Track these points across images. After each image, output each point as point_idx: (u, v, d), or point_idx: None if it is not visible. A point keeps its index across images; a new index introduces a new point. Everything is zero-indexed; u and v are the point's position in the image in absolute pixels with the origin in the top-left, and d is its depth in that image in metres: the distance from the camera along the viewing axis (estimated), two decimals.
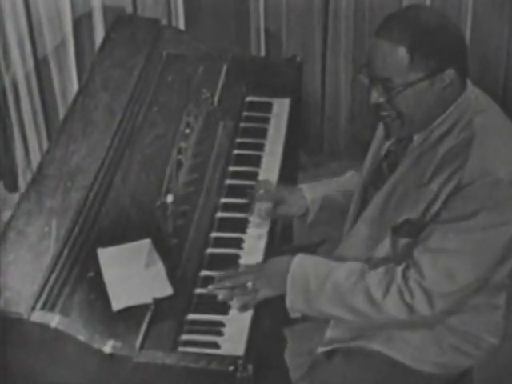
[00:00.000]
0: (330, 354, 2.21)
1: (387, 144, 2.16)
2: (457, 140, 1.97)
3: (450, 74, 1.94)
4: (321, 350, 2.21)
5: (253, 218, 2.39)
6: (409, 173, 2.05)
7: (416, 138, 2.04)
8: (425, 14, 2.00)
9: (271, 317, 2.23)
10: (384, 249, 2.09)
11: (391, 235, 2.06)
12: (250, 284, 2.13)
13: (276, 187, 2.46)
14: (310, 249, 2.44)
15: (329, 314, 2.11)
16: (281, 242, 2.52)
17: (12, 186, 3.63)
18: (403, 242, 2.05)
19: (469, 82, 2.03)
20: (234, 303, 2.13)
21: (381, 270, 2.04)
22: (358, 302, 2.04)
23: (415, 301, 1.99)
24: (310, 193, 2.40)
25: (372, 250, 2.11)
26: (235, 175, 2.54)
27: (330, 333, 2.21)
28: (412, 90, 1.93)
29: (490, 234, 1.94)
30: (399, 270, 2.01)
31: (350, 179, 2.43)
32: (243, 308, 2.12)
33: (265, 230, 2.37)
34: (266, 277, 2.14)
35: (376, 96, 1.98)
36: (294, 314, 2.14)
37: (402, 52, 1.90)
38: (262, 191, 2.41)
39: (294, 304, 2.11)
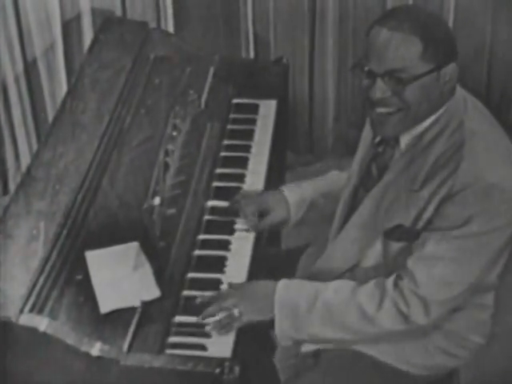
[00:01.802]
0: (316, 355, 2.20)
1: (374, 146, 2.14)
2: (447, 145, 1.95)
3: (452, 68, 1.92)
4: (304, 349, 2.19)
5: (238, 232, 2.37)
6: (400, 177, 2.03)
7: (402, 139, 2.03)
8: (422, 10, 2.00)
9: None
10: (375, 253, 2.08)
11: (383, 239, 2.06)
12: (235, 311, 2.07)
13: (257, 196, 2.42)
14: (298, 251, 2.45)
15: (320, 335, 2.07)
16: (268, 244, 2.52)
17: (3, 189, 3.62)
18: (395, 246, 2.04)
19: (457, 85, 2.02)
20: (213, 328, 2.07)
21: (370, 284, 2.03)
22: (352, 319, 2.02)
23: (411, 310, 1.98)
24: (292, 196, 2.37)
25: (362, 254, 2.10)
26: (222, 177, 2.54)
27: None
28: (422, 81, 1.89)
29: (484, 240, 1.93)
30: (389, 281, 2.01)
31: (332, 180, 2.41)
32: (224, 332, 2.07)
33: (252, 233, 2.37)
34: (249, 301, 2.09)
35: (382, 89, 1.92)
36: (285, 343, 2.11)
37: (416, 41, 1.87)
38: (244, 203, 2.37)
39: (284, 330, 2.07)
